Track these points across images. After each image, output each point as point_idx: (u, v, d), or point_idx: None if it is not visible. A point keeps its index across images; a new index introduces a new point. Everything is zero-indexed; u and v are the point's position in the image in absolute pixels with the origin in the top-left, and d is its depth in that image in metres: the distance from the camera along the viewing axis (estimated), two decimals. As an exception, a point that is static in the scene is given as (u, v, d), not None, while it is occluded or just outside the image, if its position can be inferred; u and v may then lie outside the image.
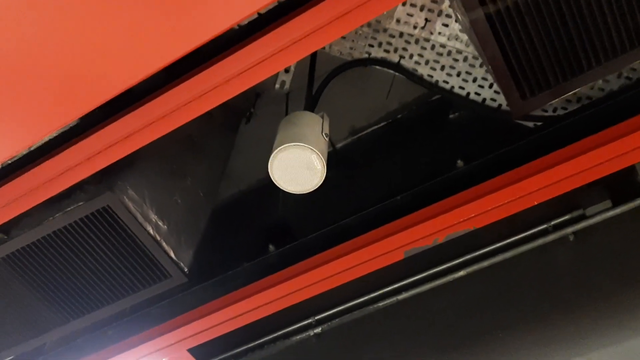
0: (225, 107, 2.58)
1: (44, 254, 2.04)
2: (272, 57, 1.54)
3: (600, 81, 1.95)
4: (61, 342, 2.50)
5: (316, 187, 1.85)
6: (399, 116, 2.48)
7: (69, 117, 1.43)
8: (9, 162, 1.80)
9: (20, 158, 1.81)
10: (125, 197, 1.96)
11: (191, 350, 2.55)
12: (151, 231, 2.02)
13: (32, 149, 1.80)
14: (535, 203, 1.94)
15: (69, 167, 1.74)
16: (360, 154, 2.51)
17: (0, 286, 2.10)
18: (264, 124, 2.58)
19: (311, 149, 1.78)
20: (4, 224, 1.89)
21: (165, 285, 2.14)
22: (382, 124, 2.51)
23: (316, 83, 2.21)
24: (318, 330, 2.57)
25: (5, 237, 2.00)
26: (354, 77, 2.36)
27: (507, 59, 1.68)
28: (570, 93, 1.78)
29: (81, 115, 1.44)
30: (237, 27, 1.57)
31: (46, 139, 1.78)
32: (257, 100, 2.66)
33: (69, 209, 1.94)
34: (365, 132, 2.55)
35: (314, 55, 2.18)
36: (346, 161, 2.53)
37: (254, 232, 2.42)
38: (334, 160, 2.52)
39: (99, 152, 1.71)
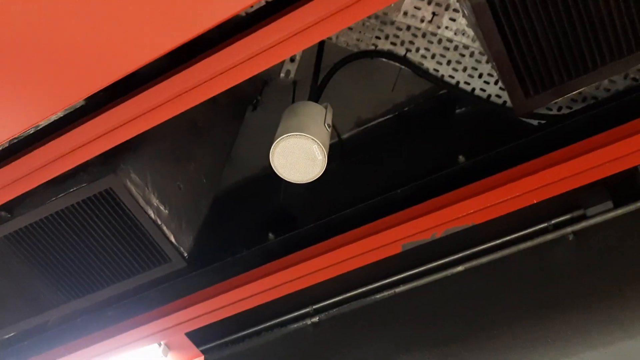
0: (232, 94, 2.58)
1: (46, 234, 2.06)
2: (278, 46, 1.54)
3: (606, 81, 1.95)
4: (63, 321, 2.53)
5: (317, 176, 1.86)
6: (405, 109, 2.48)
7: (73, 98, 1.44)
8: (15, 140, 1.82)
9: (25, 137, 1.82)
10: (127, 181, 1.97)
11: (189, 335, 2.58)
12: (152, 215, 2.03)
13: (38, 128, 1.82)
14: (535, 201, 1.94)
15: (73, 148, 1.75)
16: (365, 146, 2.52)
17: (3, 264, 2.12)
18: (270, 112, 2.58)
19: (312, 139, 1.79)
20: (8, 202, 1.90)
21: (164, 269, 2.15)
22: (387, 116, 2.51)
23: (322, 74, 2.22)
24: (315, 319, 2.59)
25: (9, 215, 2.02)
26: (361, 68, 2.36)
27: (511, 55, 1.68)
28: (574, 92, 1.78)
29: (85, 97, 1.45)
30: (243, 14, 1.57)
31: (52, 119, 1.79)
32: (264, 87, 2.67)
33: (72, 190, 1.95)
34: (370, 124, 2.55)
35: (321, 46, 2.18)
36: (351, 152, 2.53)
37: (254, 220, 2.44)
38: (339, 151, 2.53)
39: (103, 134, 1.72)
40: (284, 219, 2.38)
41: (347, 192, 2.31)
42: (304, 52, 2.43)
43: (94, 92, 1.45)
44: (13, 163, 1.79)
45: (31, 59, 1.38)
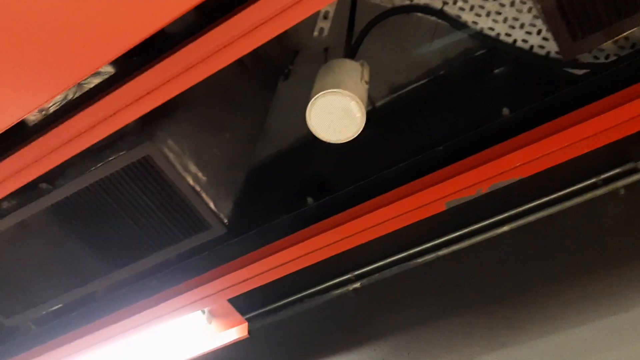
0: (264, 63, 2.57)
1: (87, 204, 2.07)
2: (310, -3, 1.49)
3: (658, 23, 1.83)
4: (109, 291, 2.57)
5: (355, 135, 1.81)
6: (441, 72, 2.41)
7: (100, 60, 1.43)
8: (52, 110, 1.82)
9: (61, 107, 1.83)
10: (165, 147, 1.96)
11: (232, 302, 2.59)
12: (191, 181, 2.03)
13: (72, 98, 1.82)
14: (585, 151, 1.86)
15: (108, 115, 1.74)
16: (401, 112, 2.46)
17: (46, 236, 2.15)
18: (302, 83, 2.55)
19: (350, 96, 1.74)
20: (48, 173, 1.91)
21: (205, 236, 2.15)
22: (423, 80, 2.44)
23: (356, 35, 2.16)
24: (357, 285, 2.57)
25: (51, 187, 2.04)
26: (394, 28, 2.29)
27: (557, -4, 1.59)
28: (625, 34, 1.68)
29: (114, 59, 1.43)
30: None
31: (85, 88, 1.79)
32: (296, 57, 2.63)
33: (110, 158, 1.96)
34: (405, 89, 2.49)
35: (354, 2, 2.12)
36: (387, 119, 2.48)
37: (292, 186, 2.42)
38: (373, 118, 2.48)
39: (137, 99, 1.70)
40: (323, 184, 2.35)
41: (385, 156, 2.26)
42: (337, 12, 2.37)
43: (122, 53, 1.43)
44: (50, 132, 1.79)
45: (53, 23, 1.36)
